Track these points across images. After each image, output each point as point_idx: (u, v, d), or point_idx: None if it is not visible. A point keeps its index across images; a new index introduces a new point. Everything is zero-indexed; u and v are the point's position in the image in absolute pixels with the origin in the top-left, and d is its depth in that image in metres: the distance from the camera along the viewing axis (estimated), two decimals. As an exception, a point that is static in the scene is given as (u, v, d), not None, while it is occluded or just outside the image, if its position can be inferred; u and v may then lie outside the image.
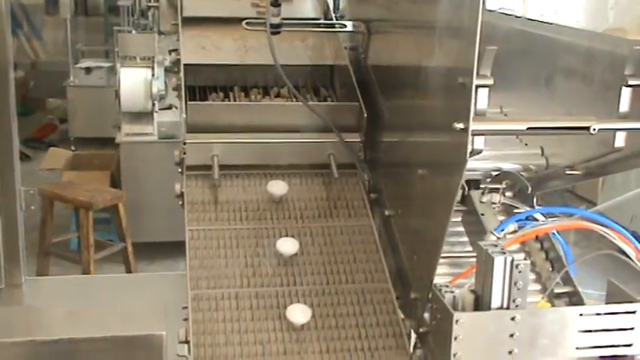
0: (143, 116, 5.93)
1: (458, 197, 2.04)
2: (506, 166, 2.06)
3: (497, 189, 1.96)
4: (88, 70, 8.95)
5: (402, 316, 1.90)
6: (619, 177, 7.24)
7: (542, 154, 2.05)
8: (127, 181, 6.20)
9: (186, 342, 1.77)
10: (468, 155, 1.53)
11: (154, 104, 5.81)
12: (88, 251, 5.45)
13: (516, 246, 2.01)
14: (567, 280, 1.91)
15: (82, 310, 1.61)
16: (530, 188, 1.99)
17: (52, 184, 6.06)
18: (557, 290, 1.88)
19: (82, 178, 6.30)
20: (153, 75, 5.79)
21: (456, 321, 1.60)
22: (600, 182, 7.29)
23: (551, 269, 1.97)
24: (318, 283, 1.95)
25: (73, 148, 8.38)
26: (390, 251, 2.08)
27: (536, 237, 2.02)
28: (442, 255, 1.95)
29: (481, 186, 1.97)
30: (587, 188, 7.50)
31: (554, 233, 1.95)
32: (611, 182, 7.33)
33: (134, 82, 5.66)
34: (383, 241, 2.12)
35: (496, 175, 2.05)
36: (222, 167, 2.15)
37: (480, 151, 1.60)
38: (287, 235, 2.03)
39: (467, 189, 2.04)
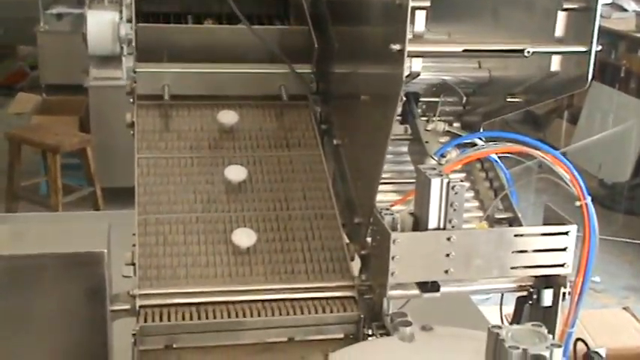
0: (111, 60, 5.87)
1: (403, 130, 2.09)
2: (448, 77, 2.08)
3: (436, 102, 1.99)
4: (59, 16, 8.83)
5: (346, 241, 1.94)
6: (585, 125, 7.32)
7: (480, 66, 2.06)
8: (95, 126, 6.17)
9: (132, 264, 1.80)
10: (404, 77, 1.55)
11: (122, 48, 5.74)
12: (56, 194, 5.46)
13: (462, 175, 2.05)
14: (508, 207, 1.95)
15: (25, 228, 1.63)
16: (465, 98, 2.02)
17: (20, 127, 6.04)
18: (498, 216, 1.92)
19: (51, 122, 6.27)
20: (121, 18, 5.71)
21: (394, 241, 1.64)
22: (563, 130, 7.38)
23: (494, 197, 2.01)
24: (265, 209, 1.97)
25: (44, 95, 8.31)
26: (339, 180, 2.11)
27: (482, 167, 2.06)
28: (390, 181, 2.00)
29: (420, 99, 2.00)
30: (556, 136, 7.57)
31: (496, 161, 1.98)
32: (579, 130, 7.42)
33: (101, 24, 5.58)
34: (332, 170, 2.15)
35: (435, 88, 2.07)
36: (173, 97, 2.16)
37: (417, 74, 1.63)
38: (236, 164, 2.05)
39: (407, 101, 2.05)
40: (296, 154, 2.13)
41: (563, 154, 1.83)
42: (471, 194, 2.01)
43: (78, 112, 6.63)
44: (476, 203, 2.00)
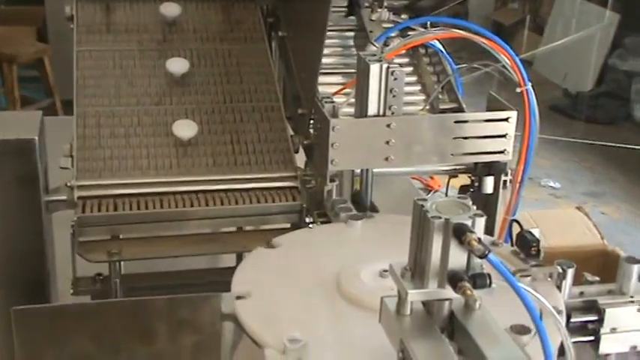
0: (67, -33, 5.68)
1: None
2: None
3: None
4: None
5: (291, 132, 1.93)
6: (551, 35, 7.29)
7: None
8: (54, 37, 6.02)
9: (71, 156, 1.77)
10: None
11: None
12: (14, 106, 5.37)
13: (409, 69, 2.03)
14: (454, 99, 1.94)
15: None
16: None
17: (-25, 37, 5.88)
18: (443, 106, 1.92)
19: (7, 33, 6.10)
20: None
21: (333, 127, 1.63)
22: (525, 37, 7.35)
23: (441, 90, 2.00)
24: (208, 102, 1.94)
25: (2, 6, 8.07)
26: (285, 73, 2.09)
27: (430, 61, 2.04)
28: (336, 71, 1.98)
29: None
30: (523, 47, 7.54)
31: (442, 52, 1.96)
32: (545, 40, 7.39)
33: None
34: (279, 64, 2.13)
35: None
36: (113, -12, 2.11)
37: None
38: (179, 56, 2.01)
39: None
40: (241, 47, 2.09)
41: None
42: (418, 87, 2.00)
43: (35, 22, 6.45)
44: (422, 96, 1.99)
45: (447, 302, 1.13)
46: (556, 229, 3.17)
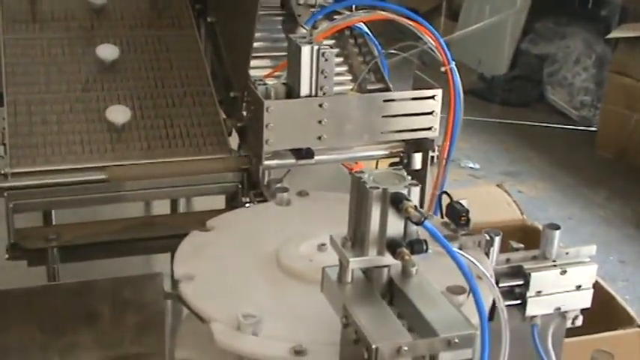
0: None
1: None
2: None
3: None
4: None
5: (223, 116, 1.96)
6: (465, 21, 7.47)
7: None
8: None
9: (3, 144, 1.77)
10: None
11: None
12: None
13: (336, 50, 2.08)
14: (380, 79, 2.00)
15: None
16: None
17: None
18: (371, 87, 1.98)
19: None
20: None
21: (267, 109, 1.67)
22: (442, 23, 7.51)
23: (367, 71, 2.06)
24: (140, 87, 1.95)
25: None
26: (215, 58, 2.12)
27: (355, 42, 2.10)
28: (266, 55, 2.02)
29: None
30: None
31: (368, 34, 2.02)
32: (460, 26, 7.56)
33: None
34: (208, 50, 2.15)
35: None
36: (38, -25, 2.09)
37: None
38: (108, 43, 2.01)
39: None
40: (170, 33, 2.11)
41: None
42: (345, 68, 2.05)
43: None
44: (349, 77, 2.04)
45: (386, 269, 1.18)
46: (479, 205, 3.28)
